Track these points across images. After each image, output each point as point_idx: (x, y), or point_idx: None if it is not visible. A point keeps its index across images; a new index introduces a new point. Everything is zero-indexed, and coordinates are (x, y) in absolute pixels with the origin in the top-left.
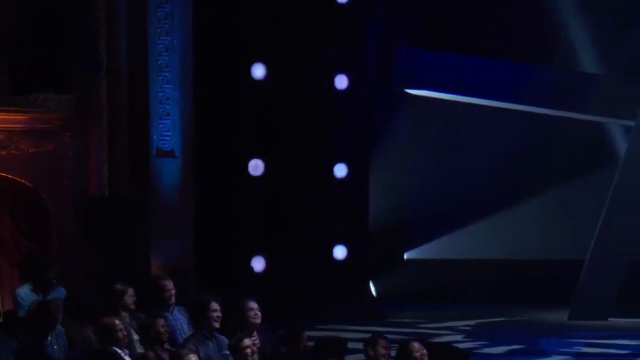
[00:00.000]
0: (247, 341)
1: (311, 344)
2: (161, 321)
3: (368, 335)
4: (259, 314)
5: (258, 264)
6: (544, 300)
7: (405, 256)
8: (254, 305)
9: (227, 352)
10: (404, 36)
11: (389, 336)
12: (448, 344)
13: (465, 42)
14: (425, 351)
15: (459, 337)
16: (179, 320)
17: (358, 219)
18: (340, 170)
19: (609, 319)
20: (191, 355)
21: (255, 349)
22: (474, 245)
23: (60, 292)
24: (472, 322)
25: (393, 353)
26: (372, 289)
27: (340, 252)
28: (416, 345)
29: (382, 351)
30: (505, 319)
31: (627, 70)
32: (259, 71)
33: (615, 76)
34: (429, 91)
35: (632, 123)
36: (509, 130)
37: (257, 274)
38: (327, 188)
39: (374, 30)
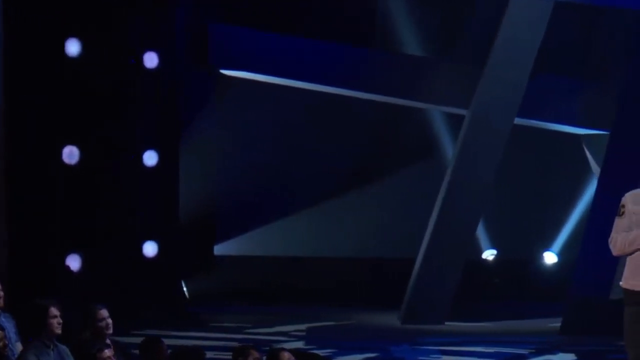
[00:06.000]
0: (107, 352)
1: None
2: (0, 333)
3: (191, 343)
4: (110, 321)
5: (74, 262)
6: (371, 302)
7: (215, 252)
8: (105, 313)
9: None
10: (219, 13)
11: (215, 344)
12: (309, 352)
13: (285, 21)
14: None
15: (300, 344)
16: (7, 328)
17: (168, 212)
18: (151, 159)
19: (446, 323)
20: None
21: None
22: (290, 241)
23: None
24: (303, 327)
25: None
26: (185, 289)
27: (150, 248)
28: (286, 354)
29: None
30: (336, 322)
31: (456, 57)
32: (73, 47)
33: (444, 62)
34: (245, 72)
35: (461, 111)
36: (331, 117)
37: (73, 273)
38: (137, 178)
39: (187, 5)
